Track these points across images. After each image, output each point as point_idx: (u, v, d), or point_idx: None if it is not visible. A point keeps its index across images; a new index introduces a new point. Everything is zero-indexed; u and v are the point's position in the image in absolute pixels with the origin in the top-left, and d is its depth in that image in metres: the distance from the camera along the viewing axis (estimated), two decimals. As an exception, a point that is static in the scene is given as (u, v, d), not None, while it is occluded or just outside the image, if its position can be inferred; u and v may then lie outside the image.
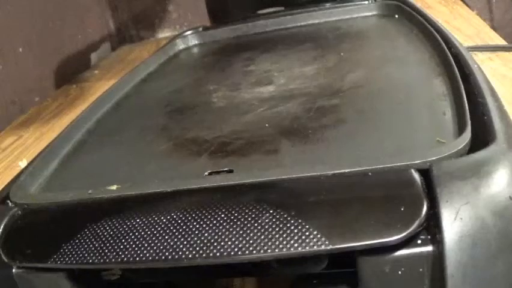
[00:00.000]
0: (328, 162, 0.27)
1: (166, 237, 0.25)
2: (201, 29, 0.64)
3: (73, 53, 0.91)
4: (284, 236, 0.23)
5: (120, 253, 0.25)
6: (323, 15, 0.59)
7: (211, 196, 0.27)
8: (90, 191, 0.30)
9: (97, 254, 0.25)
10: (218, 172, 0.29)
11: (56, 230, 0.29)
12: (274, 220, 0.24)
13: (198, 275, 0.30)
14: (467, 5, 0.83)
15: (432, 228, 0.22)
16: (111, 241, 0.26)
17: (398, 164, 0.25)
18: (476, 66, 0.34)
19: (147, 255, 0.24)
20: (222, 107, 0.40)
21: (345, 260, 0.24)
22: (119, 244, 0.25)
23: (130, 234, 0.26)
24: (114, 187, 0.30)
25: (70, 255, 0.26)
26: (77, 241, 0.26)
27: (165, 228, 0.25)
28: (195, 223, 0.25)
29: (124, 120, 0.43)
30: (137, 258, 0.24)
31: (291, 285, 0.30)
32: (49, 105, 0.78)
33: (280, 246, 0.23)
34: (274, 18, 0.61)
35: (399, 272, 0.23)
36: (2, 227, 0.29)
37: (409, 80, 0.37)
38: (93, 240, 0.26)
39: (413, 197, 0.23)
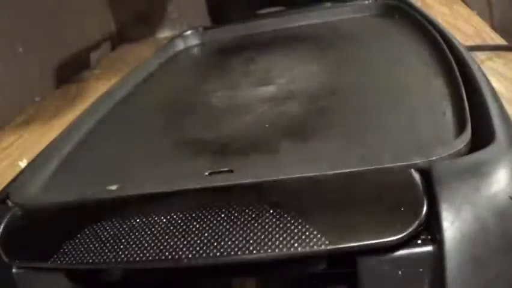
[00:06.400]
0: (328, 162, 0.27)
1: (166, 237, 0.25)
2: (201, 29, 0.64)
3: (73, 53, 0.91)
4: (284, 236, 0.23)
5: (120, 253, 0.25)
6: (323, 15, 0.59)
7: (211, 196, 0.27)
8: (90, 191, 0.30)
9: (97, 254, 0.25)
10: (218, 172, 0.29)
11: (56, 230, 0.29)
12: (274, 220, 0.24)
13: (198, 275, 0.30)
14: (467, 5, 0.83)
15: (432, 228, 0.22)
16: (111, 241, 0.26)
17: (398, 164, 0.25)
18: (476, 66, 0.34)
19: (147, 255, 0.24)
20: (222, 107, 0.40)
21: (345, 260, 0.24)
22: (119, 244, 0.25)
23: (130, 234, 0.26)
24: (114, 187, 0.30)
25: (70, 255, 0.26)
26: (77, 241, 0.26)
27: (165, 228, 0.25)
28: (195, 223, 0.25)
29: (124, 120, 0.43)
30: (137, 258, 0.24)
31: (291, 285, 0.30)
32: (49, 105, 0.78)
33: (280, 246, 0.23)
34: (274, 18, 0.61)
35: (399, 272, 0.23)
36: (2, 227, 0.29)
37: (409, 80, 0.37)
38: (93, 240, 0.26)
39: (413, 197, 0.23)
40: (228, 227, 0.24)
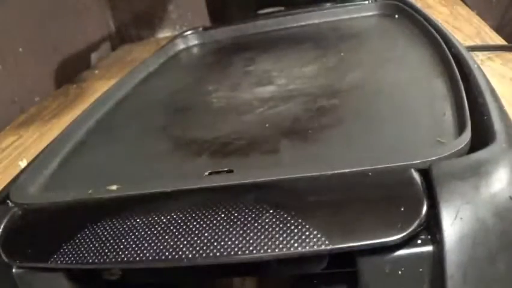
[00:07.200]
0: (328, 162, 0.27)
1: (166, 237, 0.25)
2: (201, 29, 0.64)
3: (73, 53, 0.91)
4: (284, 236, 0.23)
5: (120, 253, 0.25)
6: (322, 15, 0.59)
7: (211, 196, 0.27)
8: (90, 191, 0.30)
9: (97, 254, 0.25)
10: (218, 172, 0.29)
11: (56, 230, 0.29)
12: (274, 220, 0.24)
13: (198, 275, 0.30)
14: (467, 5, 0.83)
15: (432, 228, 0.22)
16: (111, 241, 0.26)
17: (398, 164, 0.25)
18: (476, 66, 0.34)
19: (147, 255, 0.24)
20: (222, 107, 0.40)
21: (345, 260, 0.24)
22: (119, 244, 0.25)
23: (130, 234, 0.26)
24: (114, 187, 0.30)
25: (70, 255, 0.26)
26: (77, 241, 0.26)
27: (165, 228, 0.25)
28: (195, 223, 0.25)
29: (124, 120, 0.43)
30: (137, 258, 0.24)
31: (291, 285, 0.30)
32: (49, 105, 0.78)
33: (280, 246, 0.23)
34: (274, 18, 0.61)
35: (399, 272, 0.23)
36: (2, 227, 0.29)
37: (409, 80, 0.37)
38: (93, 240, 0.26)
39: (413, 197, 0.23)
40: (228, 227, 0.24)
